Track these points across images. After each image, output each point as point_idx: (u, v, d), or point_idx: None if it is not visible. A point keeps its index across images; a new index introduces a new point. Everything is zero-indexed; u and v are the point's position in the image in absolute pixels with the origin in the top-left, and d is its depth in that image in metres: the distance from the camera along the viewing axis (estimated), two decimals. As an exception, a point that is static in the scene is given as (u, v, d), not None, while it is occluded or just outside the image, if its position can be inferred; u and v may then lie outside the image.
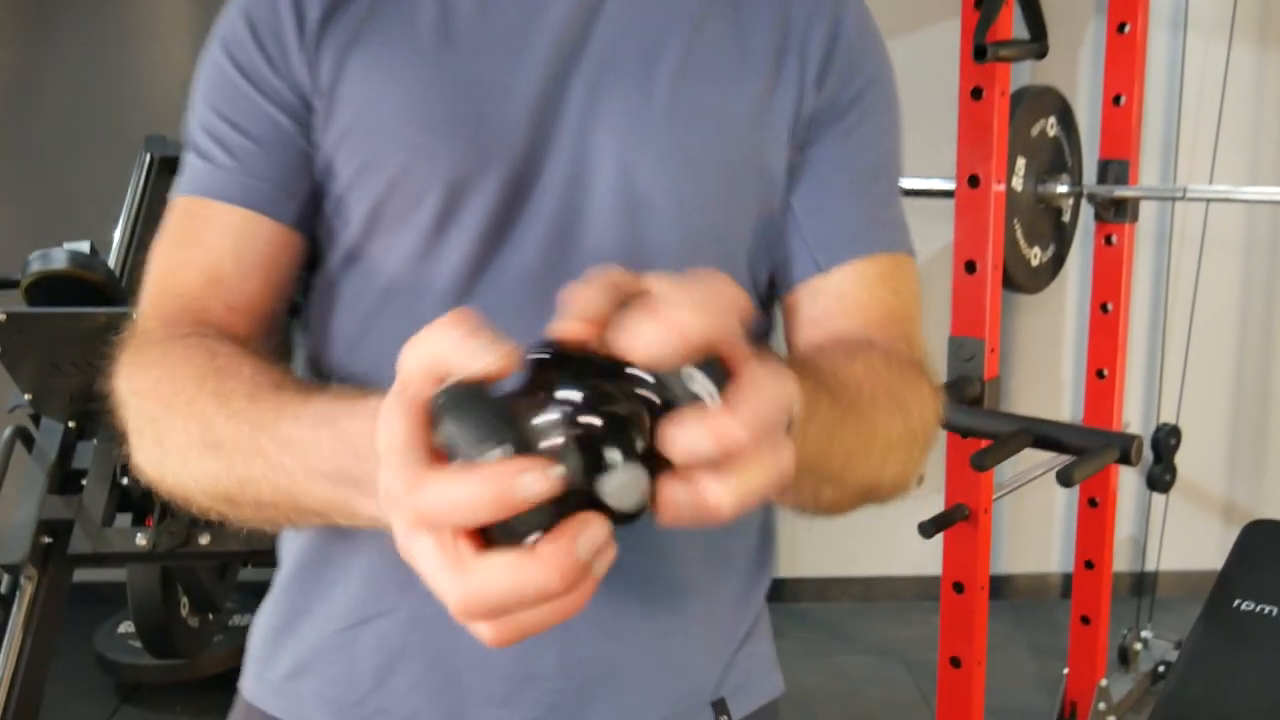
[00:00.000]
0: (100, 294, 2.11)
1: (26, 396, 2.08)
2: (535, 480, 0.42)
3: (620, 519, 0.44)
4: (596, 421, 0.43)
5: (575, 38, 0.77)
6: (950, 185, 2.52)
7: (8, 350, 1.93)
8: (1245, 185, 3.26)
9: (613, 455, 0.43)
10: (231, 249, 0.77)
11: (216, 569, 2.69)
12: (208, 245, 0.77)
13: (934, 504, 3.41)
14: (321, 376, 0.82)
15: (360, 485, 0.57)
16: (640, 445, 0.44)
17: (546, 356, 0.46)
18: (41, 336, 1.94)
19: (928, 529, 2.07)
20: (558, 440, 0.43)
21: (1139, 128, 2.49)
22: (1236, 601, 1.84)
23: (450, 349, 0.47)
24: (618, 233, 0.76)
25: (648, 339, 0.45)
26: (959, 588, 2.17)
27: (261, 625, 0.89)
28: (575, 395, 0.44)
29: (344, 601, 0.83)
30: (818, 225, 0.81)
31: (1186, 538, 3.52)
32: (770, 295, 0.86)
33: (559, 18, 0.77)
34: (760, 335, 0.87)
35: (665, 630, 0.82)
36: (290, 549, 0.87)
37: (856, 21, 0.83)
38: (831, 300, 0.81)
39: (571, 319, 0.47)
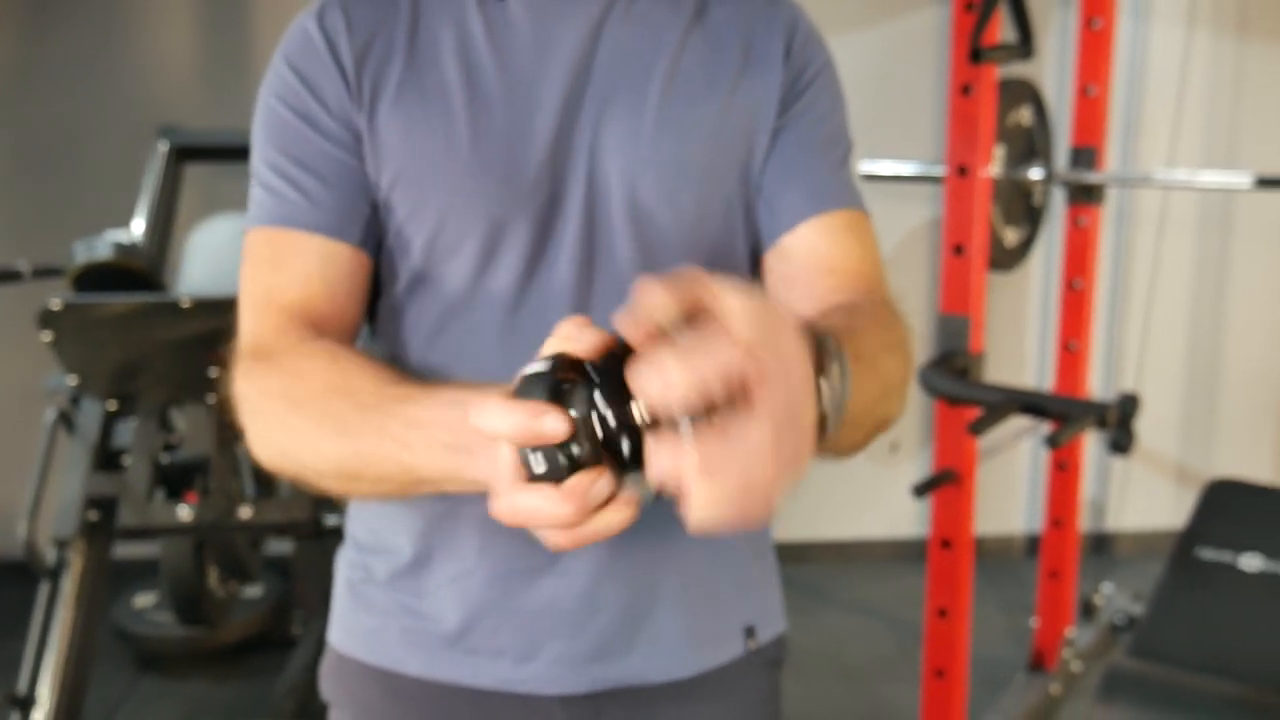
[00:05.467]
0: (140, 281, 2.22)
1: (71, 380, 2.18)
2: (553, 421, 0.58)
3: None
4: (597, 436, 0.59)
5: (578, 81, 0.92)
6: (925, 170, 2.69)
7: (61, 336, 2.03)
8: (1199, 168, 3.46)
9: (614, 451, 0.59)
10: (318, 270, 0.90)
11: (251, 541, 2.81)
12: (296, 268, 0.89)
13: (906, 470, 3.61)
14: None
15: (474, 453, 0.68)
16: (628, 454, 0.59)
17: (608, 358, 0.60)
18: (92, 323, 2.05)
19: (922, 491, 2.25)
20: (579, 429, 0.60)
21: (1106, 117, 2.67)
22: (1200, 551, 2.04)
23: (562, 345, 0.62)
24: (629, 241, 0.92)
25: (661, 385, 0.54)
26: (946, 544, 2.35)
27: (344, 584, 1.04)
28: (611, 425, 0.58)
29: (428, 564, 0.97)
30: (783, 192, 0.96)
31: (1142, 499, 3.73)
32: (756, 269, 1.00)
33: (563, 66, 0.92)
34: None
35: (698, 571, 1.00)
36: (373, 522, 1.02)
37: (805, 31, 1.00)
38: (803, 256, 0.94)
39: (635, 323, 0.58)
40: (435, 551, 0.97)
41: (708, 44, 0.95)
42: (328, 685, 1.04)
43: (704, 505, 0.54)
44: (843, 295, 0.92)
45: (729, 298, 0.56)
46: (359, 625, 1.01)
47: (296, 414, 0.79)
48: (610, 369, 0.59)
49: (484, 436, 0.65)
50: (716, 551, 1.01)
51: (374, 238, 0.93)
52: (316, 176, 0.90)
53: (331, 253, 0.90)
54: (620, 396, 0.58)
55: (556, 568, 0.95)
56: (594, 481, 0.59)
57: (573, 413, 0.59)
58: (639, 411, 0.58)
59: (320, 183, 0.90)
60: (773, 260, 0.96)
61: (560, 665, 0.96)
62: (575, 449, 0.59)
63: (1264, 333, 3.70)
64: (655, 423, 0.57)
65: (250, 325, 0.89)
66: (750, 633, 1.04)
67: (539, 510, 0.60)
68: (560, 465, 0.59)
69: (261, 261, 0.91)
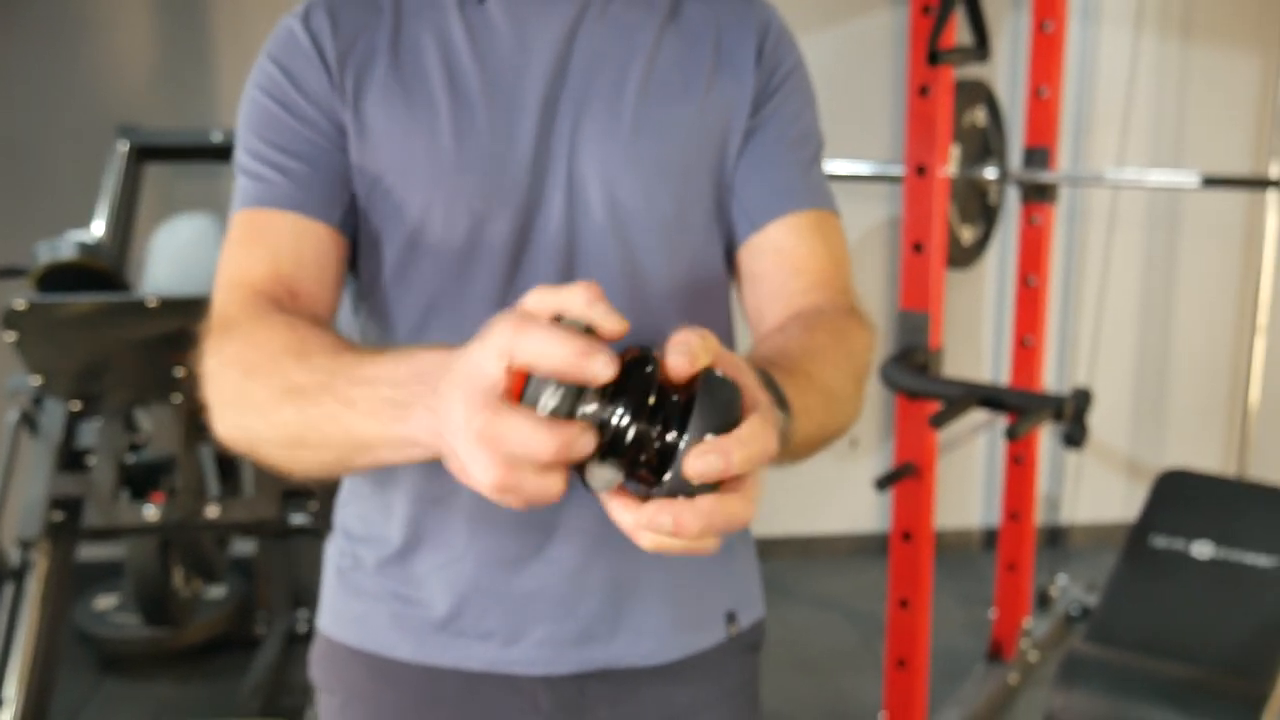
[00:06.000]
0: (104, 281, 2.21)
1: (34, 380, 2.16)
2: (604, 364, 0.57)
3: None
4: (618, 431, 0.60)
5: (556, 81, 0.94)
6: (883, 170, 2.74)
7: (25, 336, 2.01)
8: (1148, 167, 3.54)
9: (608, 459, 0.61)
10: (289, 247, 0.91)
11: (216, 540, 2.80)
12: (269, 245, 0.91)
13: (866, 466, 3.66)
14: None
15: (412, 409, 0.66)
16: (623, 469, 0.61)
17: (635, 360, 0.62)
18: (56, 323, 2.03)
19: (883, 484, 2.29)
20: (601, 409, 0.60)
21: (1058, 118, 2.73)
22: (1153, 539, 2.10)
23: (574, 302, 0.62)
24: (609, 238, 0.95)
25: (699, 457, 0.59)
26: (908, 536, 2.39)
27: (333, 572, 1.06)
28: (623, 412, 0.60)
29: (416, 552, 0.99)
30: (754, 191, 0.98)
31: (1095, 492, 3.81)
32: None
33: (542, 67, 0.94)
34: None
35: (682, 559, 0.99)
36: (359, 510, 1.04)
37: (776, 31, 1.02)
38: (772, 254, 0.97)
39: (678, 355, 0.60)
40: (424, 540, 0.99)
41: (682, 44, 0.98)
42: (317, 670, 1.05)
43: (675, 549, 0.63)
44: (810, 296, 0.95)
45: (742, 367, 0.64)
46: (348, 611, 1.03)
47: (250, 380, 0.78)
48: (639, 373, 0.61)
49: (426, 389, 0.64)
50: None
51: (352, 224, 0.95)
52: (295, 158, 0.92)
53: (305, 230, 0.91)
54: (644, 407, 0.60)
55: (544, 554, 0.97)
56: (582, 433, 0.59)
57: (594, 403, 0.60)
58: (683, 439, 0.59)
59: (299, 164, 0.92)
60: (744, 257, 0.99)
61: (546, 647, 0.98)
62: (588, 405, 0.59)
63: (1210, 327, 3.79)
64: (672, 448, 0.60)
65: (218, 300, 0.90)
66: (731, 618, 1.06)
67: (524, 437, 0.57)
68: (566, 409, 0.59)
69: (237, 241, 0.92)
